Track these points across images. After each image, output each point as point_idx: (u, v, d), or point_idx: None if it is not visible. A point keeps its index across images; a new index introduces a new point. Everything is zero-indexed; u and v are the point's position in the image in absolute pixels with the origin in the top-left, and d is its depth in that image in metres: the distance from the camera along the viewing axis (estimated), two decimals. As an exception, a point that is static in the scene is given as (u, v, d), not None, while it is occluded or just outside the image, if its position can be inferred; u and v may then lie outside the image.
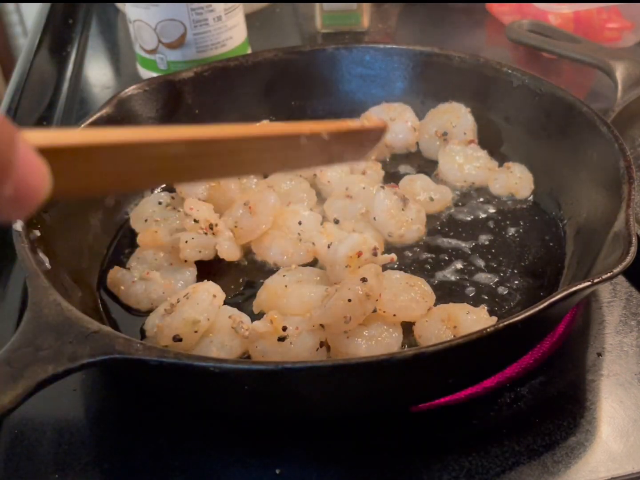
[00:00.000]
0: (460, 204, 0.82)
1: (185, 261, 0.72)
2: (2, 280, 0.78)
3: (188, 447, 0.58)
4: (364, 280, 0.61)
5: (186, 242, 0.71)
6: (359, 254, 0.66)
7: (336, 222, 0.77)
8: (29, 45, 1.23)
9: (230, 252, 0.73)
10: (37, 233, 0.64)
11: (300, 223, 0.74)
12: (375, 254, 0.67)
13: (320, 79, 0.94)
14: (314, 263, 0.74)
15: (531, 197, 0.82)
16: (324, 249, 0.70)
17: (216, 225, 0.72)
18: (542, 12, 1.13)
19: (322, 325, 0.62)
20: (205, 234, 0.72)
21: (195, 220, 0.72)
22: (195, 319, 0.62)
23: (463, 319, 0.63)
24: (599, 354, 0.64)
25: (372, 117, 0.83)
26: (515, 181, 0.81)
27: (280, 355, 0.60)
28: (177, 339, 0.62)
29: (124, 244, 0.78)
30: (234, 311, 0.66)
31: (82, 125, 0.77)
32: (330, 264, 0.67)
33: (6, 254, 0.78)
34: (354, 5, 1.22)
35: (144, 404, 0.62)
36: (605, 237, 0.62)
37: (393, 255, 0.68)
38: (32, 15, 1.51)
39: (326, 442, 0.58)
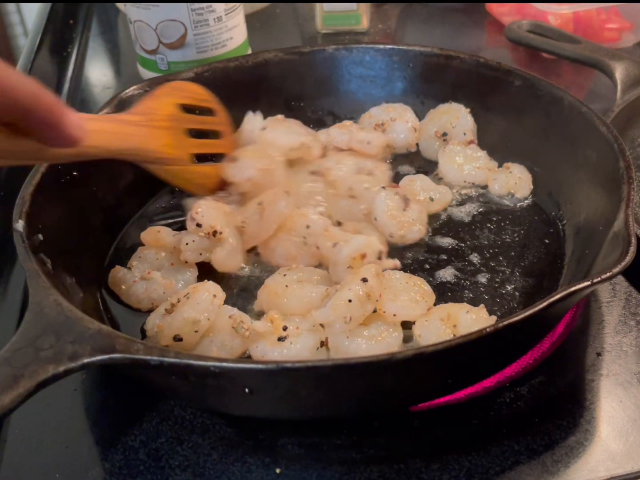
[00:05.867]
0: (459, 204, 0.82)
1: (187, 262, 0.72)
2: (2, 280, 0.78)
3: (188, 447, 0.58)
4: (364, 280, 0.62)
5: (187, 244, 0.71)
6: (363, 256, 0.66)
7: (338, 224, 0.77)
8: (29, 45, 1.23)
9: (224, 263, 0.72)
10: (40, 237, 0.64)
11: (308, 227, 0.73)
12: (379, 258, 0.67)
13: (320, 79, 0.94)
14: (317, 265, 0.74)
15: (530, 197, 0.82)
16: (328, 248, 0.70)
17: (220, 233, 0.71)
18: (541, 12, 1.13)
19: (322, 325, 0.62)
20: (207, 235, 0.71)
21: (198, 225, 0.71)
22: (195, 319, 0.62)
23: (463, 318, 0.63)
24: (599, 354, 0.64)
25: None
26: (514, 181, 0.81)
27: (280, 355, 0.60)
28: (178, 338, 0.62)
29: (125, 243, 0.78)
30: (234, 311, 0.66)
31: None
32: (333, 263, 0.67)
33: (7, 254, 0.78)
34: (354, 5, 1.22)
35: (144, 403, 0.62)
36: (605, 237, 0.62)
37: (397, 262, 0.69)
38: (32, 16, 1.51)
39: (326, 442, 0.58)
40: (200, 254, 0.72)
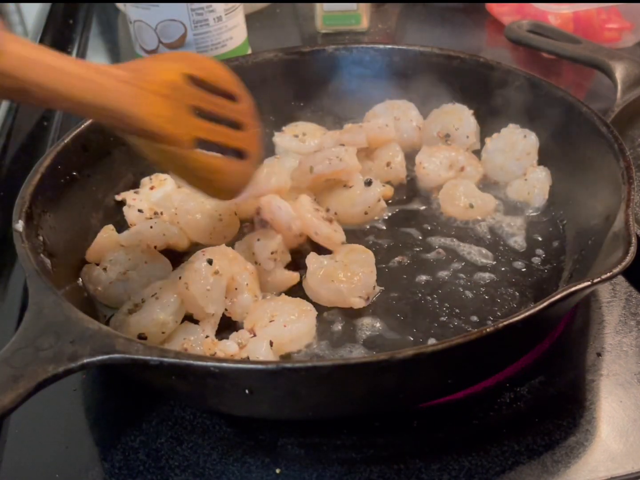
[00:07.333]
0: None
1: (155, 247, 0.73)
2: (2, 280, 0.78)
3: (188, 447, 0.58)
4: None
5: (151, 227, 0.73)
6: None
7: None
8: (29, 45, 1.23)
9: (180, 240, 0.75)
10: (40, 238, 0.64)
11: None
12: None
13: (320, 79, 0.94)
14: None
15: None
16: None
17: (161, 213, 0.76)
18: (541, 12, 1.13)
19: None
20: (151, 218, 0.76)
21: (139, 210, 0.75)
22: (165, 321, 0.63)
23: None
24: (599, 354, 0.64)
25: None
26: (528, 190, 0.80)
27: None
28: (142, 337, 0.62)
29: (124, 244, 0.78)
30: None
31: (82, 126, 0.77)
32: None
33: (6, 254, 0.78)
34: (354, 5, 1.22)
35: (143, 403, 0.62)
36: (605, 237, 0.62)
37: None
38: (32, 16, 1.51)
39: (326, 442, 0.58)
40: (164, 235, 0.74)
